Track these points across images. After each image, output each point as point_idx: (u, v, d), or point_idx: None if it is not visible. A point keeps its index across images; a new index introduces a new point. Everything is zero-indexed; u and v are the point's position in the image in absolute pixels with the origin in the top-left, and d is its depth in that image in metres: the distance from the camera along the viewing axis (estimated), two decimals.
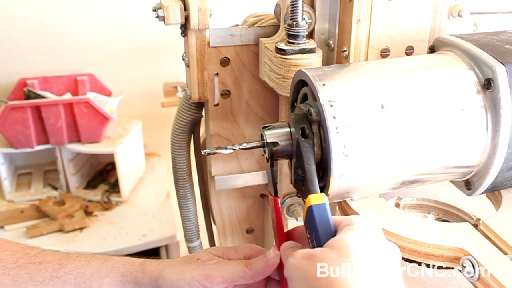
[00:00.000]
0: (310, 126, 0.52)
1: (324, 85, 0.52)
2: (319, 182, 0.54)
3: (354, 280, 0.40)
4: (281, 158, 0.55)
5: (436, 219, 0.72)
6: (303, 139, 0.52)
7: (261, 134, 0.56)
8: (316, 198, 0.48)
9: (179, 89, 1.73)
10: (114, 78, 1.80)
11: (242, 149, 0.55)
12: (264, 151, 0.56)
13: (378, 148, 0.51)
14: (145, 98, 1.87)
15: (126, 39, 1.79)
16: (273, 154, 0.54)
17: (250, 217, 0.91)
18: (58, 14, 1.69)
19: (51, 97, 1.67)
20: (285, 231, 0.54)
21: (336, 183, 0.52)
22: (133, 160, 1.81)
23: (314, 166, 0.51)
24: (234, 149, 0.55)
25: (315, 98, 0.52)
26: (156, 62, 1.83)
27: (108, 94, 1.77)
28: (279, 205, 0.53)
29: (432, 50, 0.63)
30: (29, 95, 1.66)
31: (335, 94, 0.51)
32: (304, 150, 0.51)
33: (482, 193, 0.59)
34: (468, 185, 0.59)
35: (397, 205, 0.72)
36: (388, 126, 0.51)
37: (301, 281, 0.43)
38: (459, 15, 0.71)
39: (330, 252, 0.43)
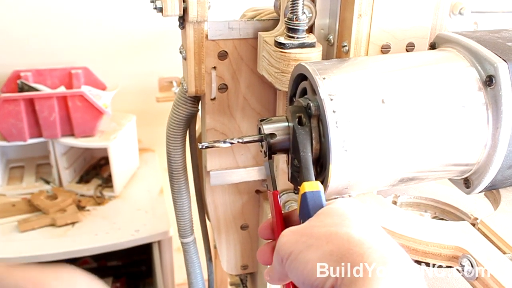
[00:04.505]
0: (308, 116, 0.52)
1: (324, 78, 0.51)
2: (317, 178, 0.54)
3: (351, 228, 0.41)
4: (279, 152, 0.54)
5: (433, 218, 0.71)
6: (299, 126, 0.51)
7: (259, 128, 0.55)
8: (310, 186, 0.47)
9: (175, 84, 1.72)
10: (109, 72, 1.79)
11: (240, 142, 0.54)
12: (262, 146, 0.55)
13: (378, 143, 0.51)
14: (140, 93, 1.86)
15: (122, 33, 1.78)
16: (271, 146, 0.53)
17: (245, 213, 0.90)
18: (53, 6, 1.68)
19: (45, 90, 1.66)
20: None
21: (335, 178, 0.51)
22: (127, 155, 1.80)
23: (310, 154, 0.50)
24: (232, 143, 0.54)
25: (315, 92, 0.52)
26: (152, 56, 1.81)
27: (103, 88, 1.76)
28: (279, 199, 0.52)
29: (433, 46, 0.63)
30: (23, 88, 1.64)
31: (335, 88, 0.51)
32: (300, 137, 0.51)
33: (481, 191, 0.58)
34: (467, 183, 0.59)
35: (394, 203, 0.71)
36: (388, 121, 0.51)
37: (303, 243, 0.41)
38: (460, 13, 0.71)
39: (316, 217, 0.44)
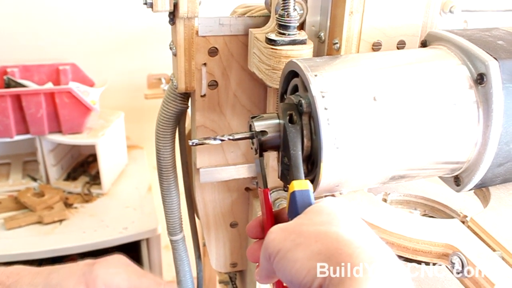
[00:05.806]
0: (299, 114, 0.51)
1: (316, 75, 0.51)
2: (308, 175, 0.53)
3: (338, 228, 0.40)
4: (270, 149, 0.54)
5: (422, 215, 0.71)
6: (290, 124, 0.51)
7: (250, 125, 0.55)
8: (299, 184, 0.47)
9: (163, 81, 1.71)
10: (97, 68, 1.77)
11: (231, 139, 0.54)
12: (253, 143, 0.55)
13: (369, 141, 0.51)
14: (128, 90, 1.85)
15: (111, 29, 1.76)
16: (262, 144, 0.53)
17: (234, 210, 0.90)
18: (41, 1, 1.66)
19: (32, 86, 1.64)
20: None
21: (326, 175, 0.51)
22: (115, 152, 1.79)
23: (300, 153, 0.50)
24: (222, 140, 0.54)
25: (306, 89, 0.51)
26: (141, 53, 1.80)
27: (91, 84, 1.74)
28: (269, 197, 0.52)
29: (424, 44, 0.63)
30: (9, 84, 1.62)
31: (327, 85, 0.50)
32: (290, 135, 0.50)
33: (471, 189, 0.59)
34: (457, 181, 0.59)
35: (384, 200, 0.71)
36: (380, 119, 0.51)
37: (292, 242, 0.41)
38: (450, 11, 0.71)
39: (305, 215, 0.44)
